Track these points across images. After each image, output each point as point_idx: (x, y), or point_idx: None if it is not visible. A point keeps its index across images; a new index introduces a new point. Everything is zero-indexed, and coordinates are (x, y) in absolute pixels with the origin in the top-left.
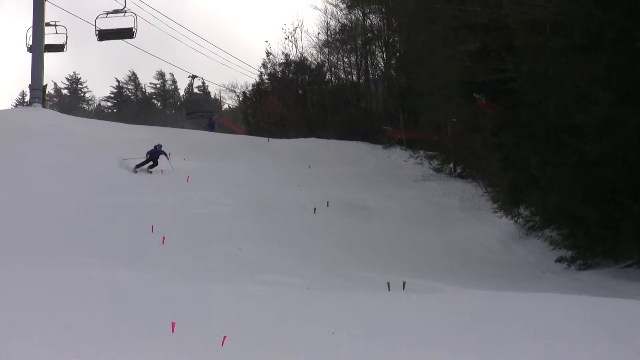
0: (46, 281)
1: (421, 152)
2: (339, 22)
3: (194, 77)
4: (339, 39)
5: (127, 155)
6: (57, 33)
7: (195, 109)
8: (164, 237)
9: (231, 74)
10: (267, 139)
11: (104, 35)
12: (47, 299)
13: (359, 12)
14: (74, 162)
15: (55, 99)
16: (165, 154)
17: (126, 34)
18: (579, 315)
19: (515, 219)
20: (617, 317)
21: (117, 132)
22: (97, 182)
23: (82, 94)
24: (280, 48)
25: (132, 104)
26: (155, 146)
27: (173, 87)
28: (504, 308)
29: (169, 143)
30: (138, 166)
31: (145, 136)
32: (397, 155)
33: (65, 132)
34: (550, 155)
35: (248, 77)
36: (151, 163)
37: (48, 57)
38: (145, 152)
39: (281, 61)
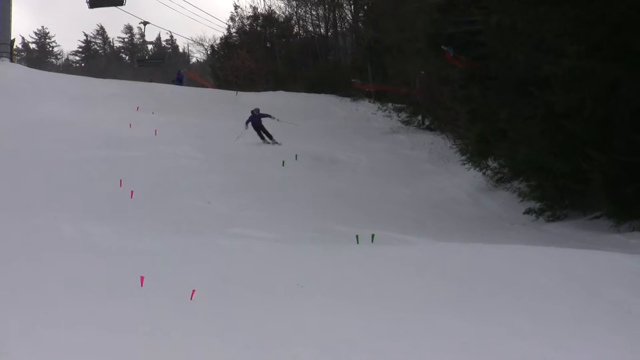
0: (14, 235)
1: (390, 104)
2: None
3: (145, 23)
4: None
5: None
6: None
7: (147, 55)
8: (132, 191)
9: (199, 27)
10: (235, 92)
11: (95, 3)
12: (15, 253)
13: None
14: (42, 117)
15: (23, 53)
16: (268, 115)
17: (117, 0)
18: (547, 266)
19: (484, 171)
20: (586, 268)
21: (85, 87)
22: (65, 136)
23: (50, 49)
24: (248, 1)
25: (100, 58)
26: (252, 111)
27: (141, 40)
28: (473, 259)
29: (138, 97)
30: (263, 138)
31: (114, 91)
32: (366, 108)
33: (34, 86)
34: (519, 108)
35: (216, 30)
36: (261, 135)
37: (16, 11)
38: (245, 123)
39: (249, 14)
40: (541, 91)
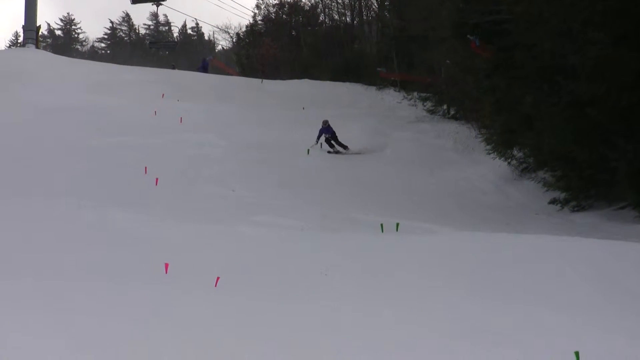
0: (39, 222)
1: (415, 93)
2: None
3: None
4: None
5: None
6: None
7: (158, 38)
8: (157, 179)
9: (225, 15)
10: (260, 80)
11: None
12: (39, 240)
13: None
14: (66, 104)
15: (48, 40)
16: (332, 131)
17: None
18: (571, 256)
19: (509, 160)
20: (611, 259)
21: (110, 73)
22: (90, 123)
23: (75, 35)
24: None
25: (125, 46)
26: (323, 123)
27: (167, 28)
28: (497, 249)
29: (163, 84)
30: (332, 147)
31: (139, 78)
32: (391, 97)
33: (58, 73)
34: (544, 97)
35: (242, 18)
36: (333, 145)
37: None
38: (317, 137)
39: (275, 2)
40: (566, 80)
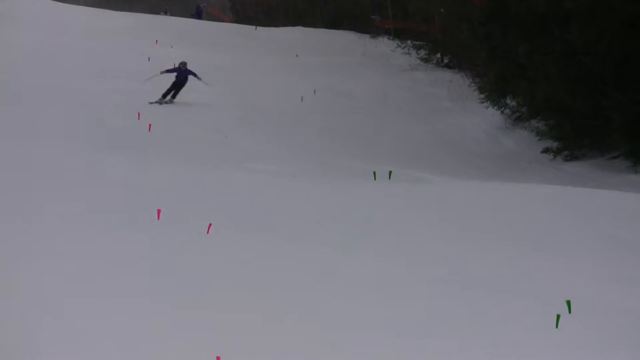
0: (31, 165)
1: (409, 42)
2: None
3: None
4: None
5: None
6: None
7: None
8: (150, 125)
9: None
10: (254, 27)
11: None
12: (31, 183)
13: None
14: (61, 48)
15: None
16: (195, 74)
17: None
18: (563, 205)
19: (502, 109)
20: (601, 208)
21: (104, 19)
22: (85, 68)
23: None
24: None
25: None
26: (179, 65)
27: None
28: (489, 198)
29: (157, 31)
30: (164, 95)
31: (133, 24)
32: (385, 45)
33: (53, 18)
34: (538, 45)
35: None
36: (173, 91)
37: None
38: (168, 70)
39: None
40: (560, 28)
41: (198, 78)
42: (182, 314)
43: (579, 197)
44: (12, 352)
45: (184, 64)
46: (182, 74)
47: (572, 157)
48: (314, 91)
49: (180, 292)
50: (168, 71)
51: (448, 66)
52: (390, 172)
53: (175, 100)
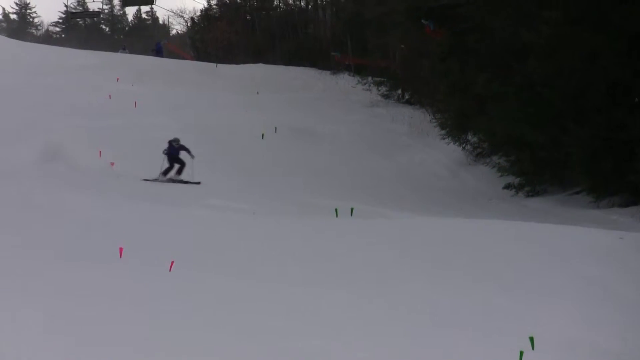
0: None
1: (369, 78)
2: None
3: None
4: None
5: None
6: None
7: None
8: (112, 163)
9: None
10: (215, 64)
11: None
12: None
13: None
14: (21, 86)
15: (3, 24)
16: (187, 150)
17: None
18: (524, 240)
19: (463, 145)
20: (563, 243)
21: (65, 57)
22: (44, 106)
23: (30, 19)
24: None
25: (80, 30)
26: (170, 142)
27: (121, 12)
28: (451, 233)
29: (118, 68)
30: (165, 173)
31: (93, 62)
32: (345, 81)
33: (12, 56)
34: (497, 80)
35: (197, 2)
36: (177, 167)
37: None
38: (163, 154)
39: None
40: (519, 62)
41: (190, 153)
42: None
43: (544, 233)
44: None
45: (176, 140)
46: (174, 151)
47: (534, 193)
48: (275, 128)
49: (143, 328)
50: (166, 152)
51: (409, 102)
52: (352, 209)
53: (181, 176)
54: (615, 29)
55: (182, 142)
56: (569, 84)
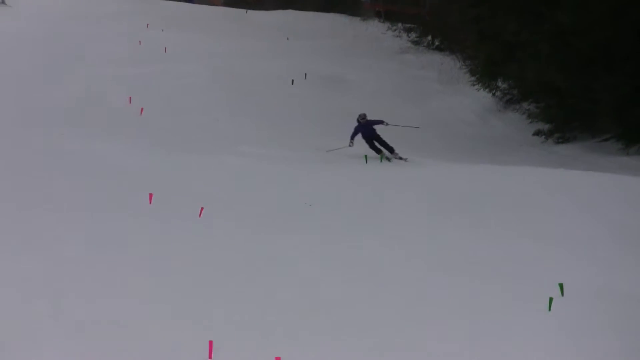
0: (23, 152)
1: (399, 24)
2: None
3: None
4: None
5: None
6: None
7: None
8: (142, 108)
9: None
10: (245, 10)
11: None
12: (24, 170)
13: None
14: (51, 34)
15: None
16: (380, 121)
17: None
18: (554, 187)
19: (494, 92)
20: (593, 190)
21: (93, 5)
22: (74, 53)
23: None
24: None
25: None
26: (358, 120)
27: None
28: (481, 181)
29: (147, 14)
30: (379, 150)
31: (123, 8)
32: (375, 28)
33: (41, 4)
34: (528, 25)
35: None
36: (375, 144)
37: None
38: (351, 136)
39: None
40: (550, 10)
41: (384, 123)
42: (180, 301)
43: (574, 180)
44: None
45: (363, 115)
46: (365, 129)
47: (563, 140)
48: (305, 75)
49: (172, 277)
50: (353, 136)
51: (439, 49)
52: (381, 156)
53: (392, 155)
54: None
55: (368, 117)
56: (598, 33)
